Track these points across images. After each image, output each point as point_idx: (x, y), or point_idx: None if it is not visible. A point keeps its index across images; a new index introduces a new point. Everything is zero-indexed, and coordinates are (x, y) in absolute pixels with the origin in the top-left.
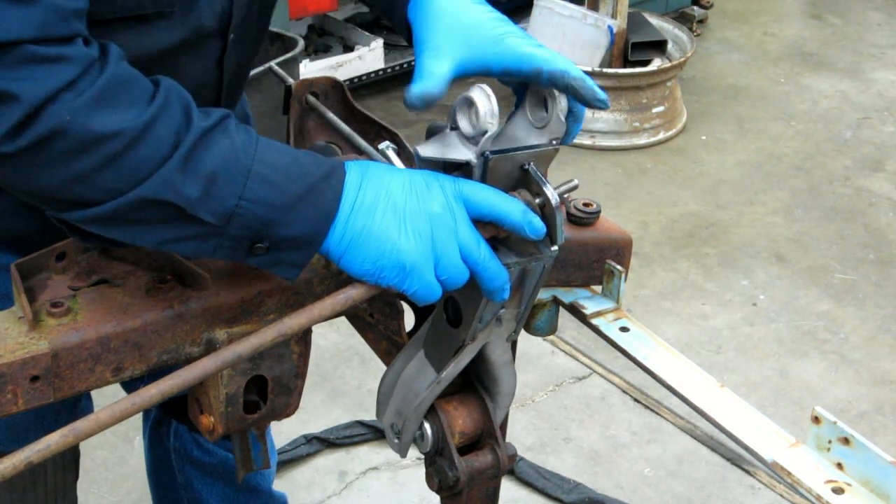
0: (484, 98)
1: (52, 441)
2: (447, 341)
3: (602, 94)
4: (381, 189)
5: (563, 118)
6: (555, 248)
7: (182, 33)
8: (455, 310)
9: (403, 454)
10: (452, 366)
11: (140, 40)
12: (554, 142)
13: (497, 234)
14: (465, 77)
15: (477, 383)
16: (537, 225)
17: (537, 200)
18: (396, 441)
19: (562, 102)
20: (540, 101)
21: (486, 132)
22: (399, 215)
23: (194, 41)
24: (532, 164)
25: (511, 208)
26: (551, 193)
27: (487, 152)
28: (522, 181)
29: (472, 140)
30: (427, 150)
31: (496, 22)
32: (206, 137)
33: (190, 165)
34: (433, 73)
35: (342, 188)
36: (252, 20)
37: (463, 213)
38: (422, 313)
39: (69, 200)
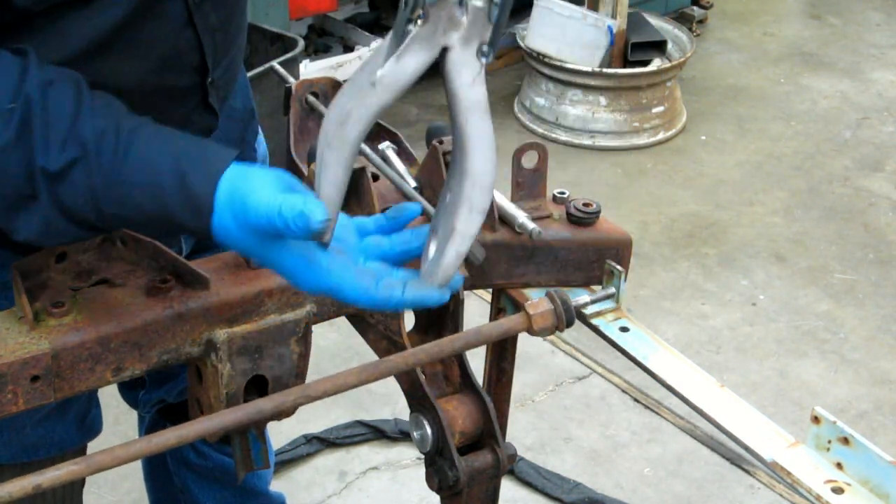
0: None
1: (65, 469)
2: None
3: None
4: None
5: None
6: None
7: (129, 5)
8: None
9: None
10: (392, 60)
11: (88, 22)
12: None
13: None
14: None
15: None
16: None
17: None
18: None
19: None
20: None
21: None
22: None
23: (149, 8)
24: None
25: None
26: None
27: None
28: None
29: None
30: None
31: None
32: None
33: None
34: None
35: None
36: None
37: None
38: (421, 314)
39: None
